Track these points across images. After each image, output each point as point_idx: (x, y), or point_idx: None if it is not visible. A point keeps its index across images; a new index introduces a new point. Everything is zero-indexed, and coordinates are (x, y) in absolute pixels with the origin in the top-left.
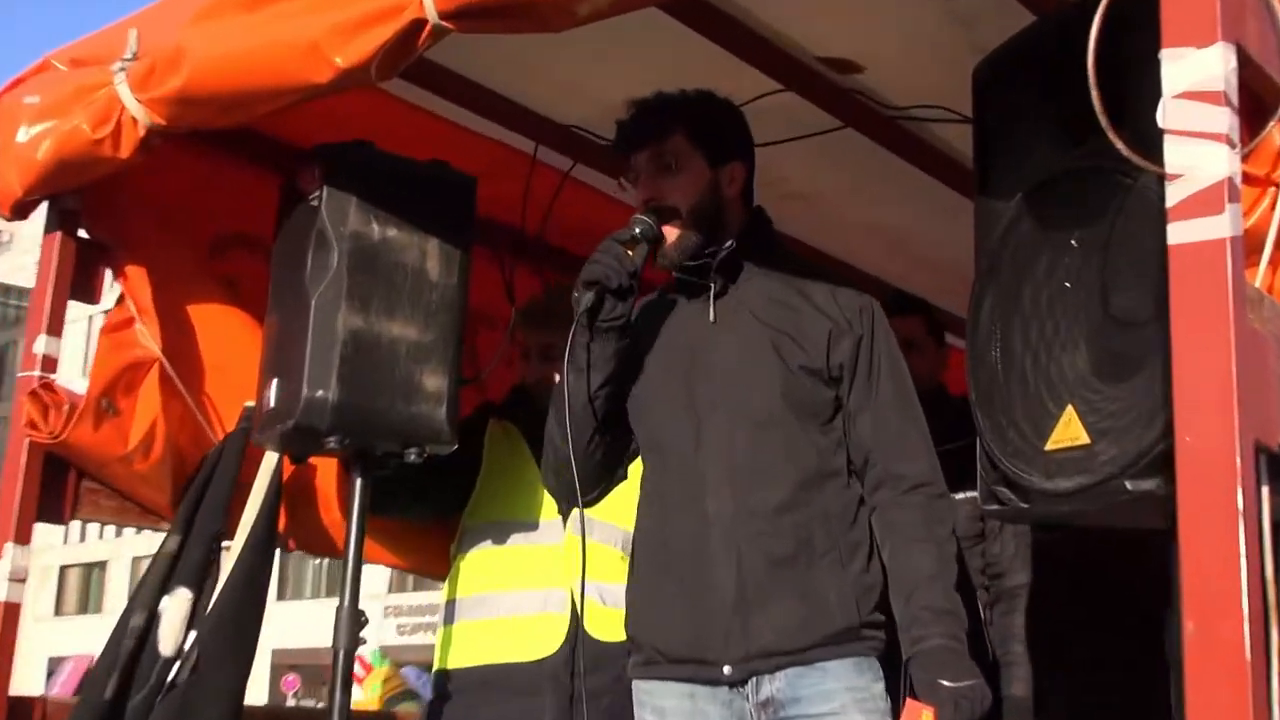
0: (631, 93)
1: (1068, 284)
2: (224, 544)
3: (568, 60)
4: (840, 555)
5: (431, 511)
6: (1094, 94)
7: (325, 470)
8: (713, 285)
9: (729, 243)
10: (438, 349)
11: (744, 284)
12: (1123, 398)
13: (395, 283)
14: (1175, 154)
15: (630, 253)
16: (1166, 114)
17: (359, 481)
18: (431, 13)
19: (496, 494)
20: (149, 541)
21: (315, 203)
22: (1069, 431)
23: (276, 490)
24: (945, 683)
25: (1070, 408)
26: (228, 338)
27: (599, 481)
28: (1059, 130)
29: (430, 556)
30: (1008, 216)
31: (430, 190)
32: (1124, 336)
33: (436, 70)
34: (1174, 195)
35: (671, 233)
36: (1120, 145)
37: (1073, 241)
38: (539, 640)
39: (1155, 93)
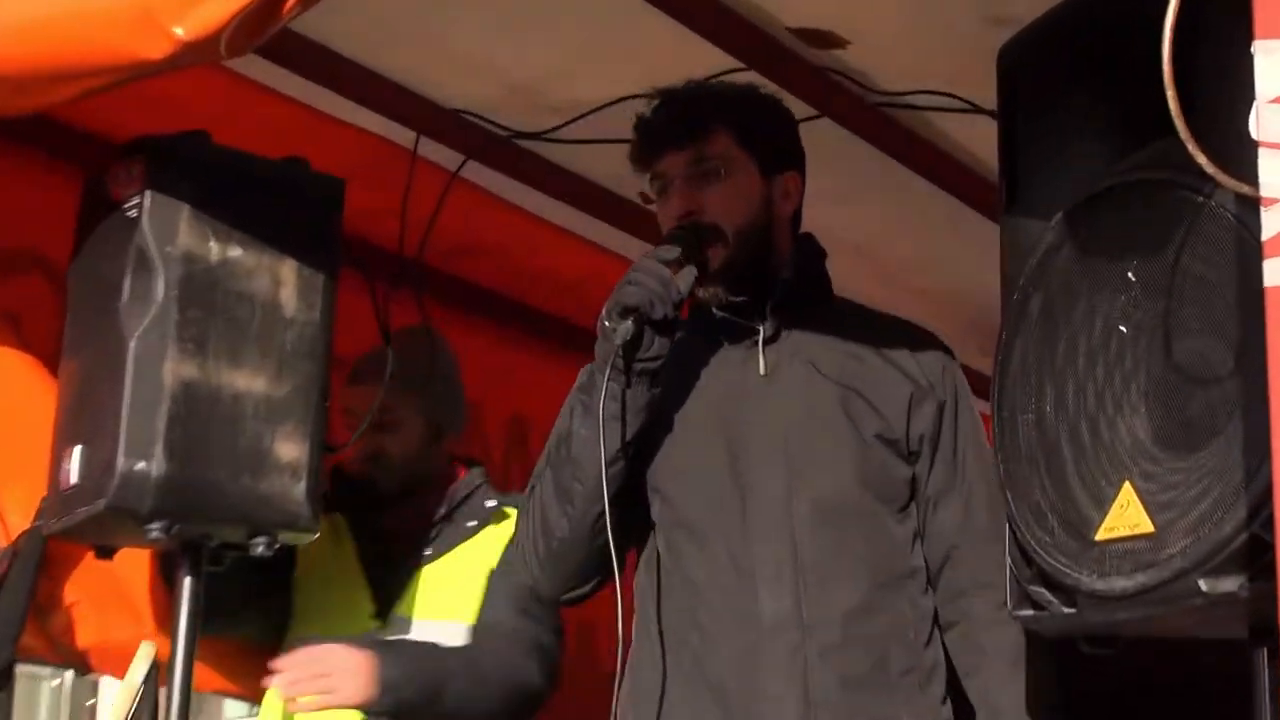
0: (541, 70)
1: (1123, 328)
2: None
3: (464, 29)
4: (919, 677)
5: (273, 624)
6: (1169, 90)
7: (131, 563)
8: (762, 328)
9: (786, 274)
10: (295, 407)
11: (800, 328)
12: (1194, 473)
13: (240, 319)
14: (1272, 172)
15: (675, 277)
16: (1260, 122)
17: (189, 582)
18: None
19: (313, 605)
20: None
21: (133, 212)
22: (1127, 517)
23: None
24: None
25: (1128, 486)
26: (7, 391)
27: (597, 573)
28: (1109, 131)
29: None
30: (1044, 241)
31: (286, 197)
32: (1196, 395)
33: (292, 40)
34: (1271, 224)
35: (714, 258)
36: (1204, 160)
37: (1129, 275)
38: None
39: (1231, 92)
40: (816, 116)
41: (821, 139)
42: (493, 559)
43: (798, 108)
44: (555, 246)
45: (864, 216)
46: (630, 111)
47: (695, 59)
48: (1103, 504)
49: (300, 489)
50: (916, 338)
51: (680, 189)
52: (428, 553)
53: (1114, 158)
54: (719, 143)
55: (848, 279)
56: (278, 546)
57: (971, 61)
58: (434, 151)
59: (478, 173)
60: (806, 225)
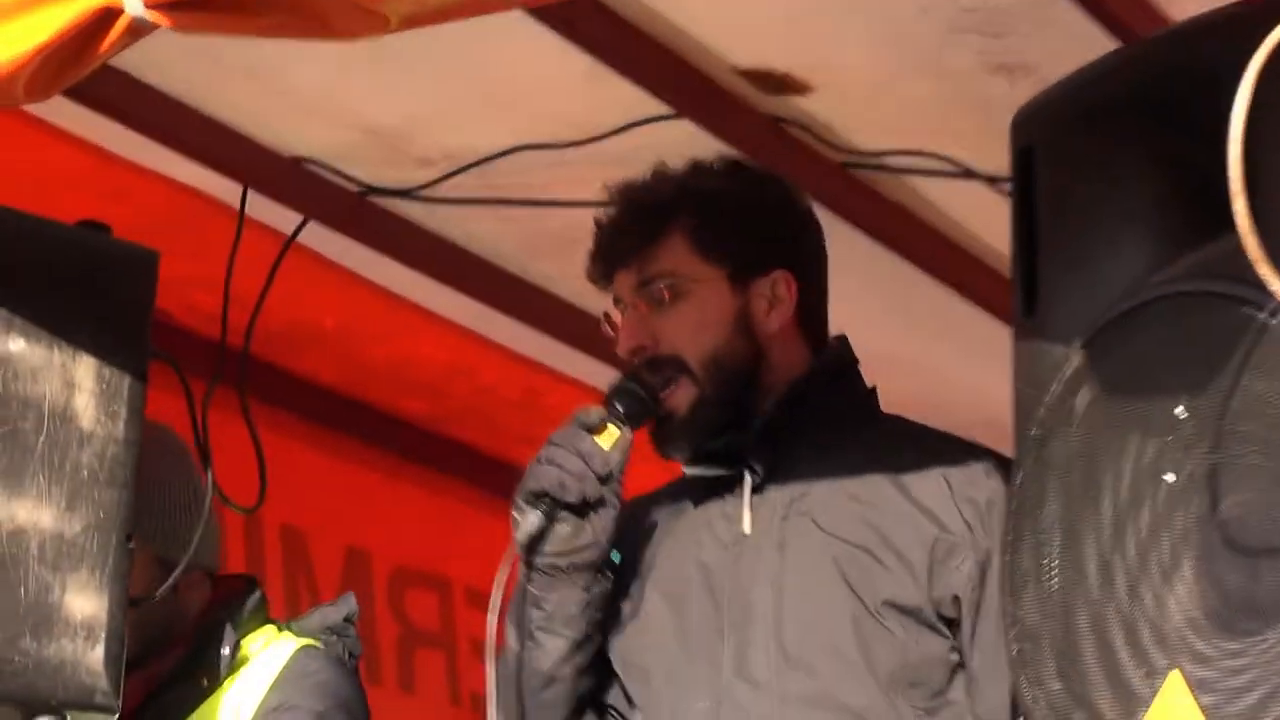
0: (405, 112)
1: (1169, 476)
2: None
3: (308, 62)
4: None
5: None
6: (1238, 198)
7: None
8: (747, 475)
9: (771, 404)
10: (92, 548)
11: (801, 469)
12: (1255, 658)
13: (21, 434)
14: None
15: (603, 443)
16: None
17: None
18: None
19: None
20: None
21: None
22: (1172, 712)
23: None
24: None
25: (1176, 675)
26: None
27: None
28: (1152, 227)
29: None
30: (1070, 364)
31: (82, 274)
32: (1258, 563)
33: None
34: None
35: (680, 404)
36: (1269, 274)
37: (1177, 410)
38: None
39: None
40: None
41: None
42: None
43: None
44: (416, 332)
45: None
46: (527, 165)
47: (611, 101)
48: (1143, 696)
49: (97, 655)
50: (960, 458)
51: (628, 318)
52: None
53: (1157, 261)
54: (669, 253)
55: None
56: None
57: (966, 115)
58: (266, 210)
59: (321, 238)
60: None
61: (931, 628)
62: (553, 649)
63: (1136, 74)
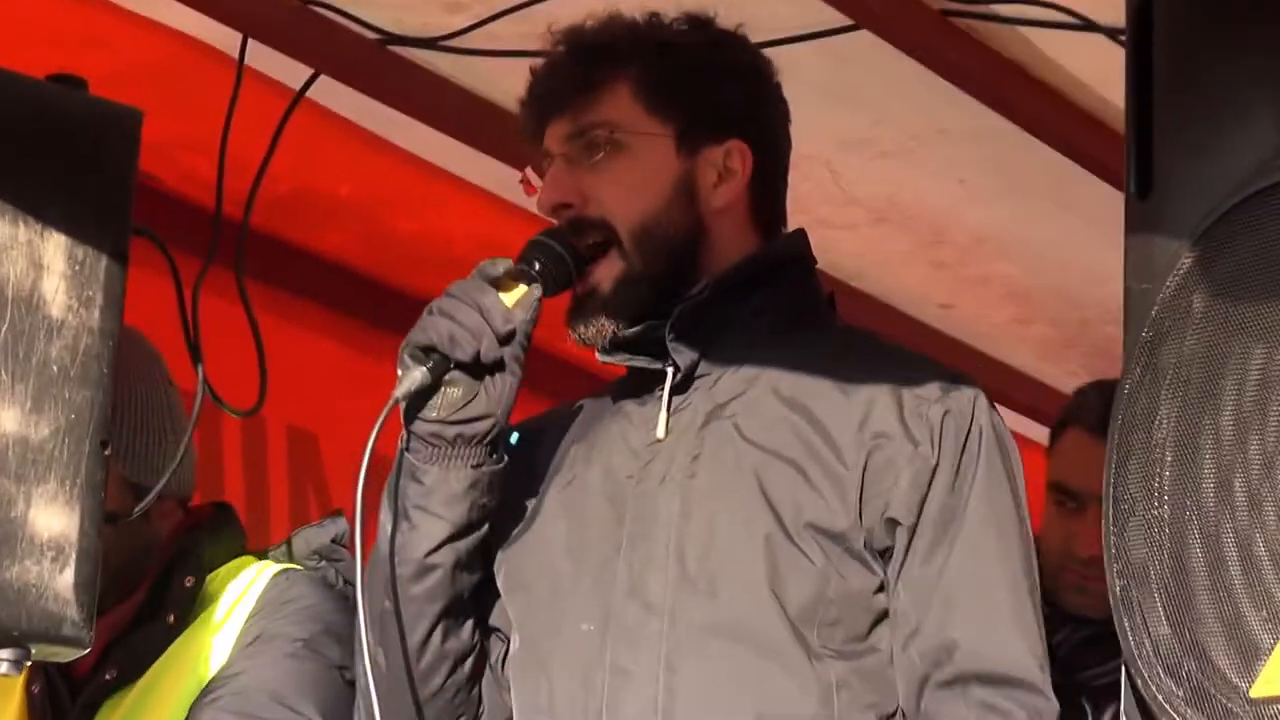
0: None
1: None
2: None
3: None
4: None
5: None
6: None
7: None
8: (669, 371)
9: (701, 285)
10: (62, 456)
11: (731, 370)
12: None
13: None
14: None
15: (508, 299)
16: None
17: None
18: None
19: None
20: None
21: None
22: None
23: None
24: None
25: None
26: None
27: None
28: None
29: None
30: (1188, 254)
31: (53, 136)
32: None
33: None
34: None
35: (604, 278)
36: None
37: None
38: None
39: None
40: (850, 28)
41: (855, 59)
42: (195, 672)
43: (823, 15)
44: (445, 204)
45: (915, 172)
46: (576, 9)
47: None
48: (1261, 645)
49: (66, 579)
50: (916, 371)
51: (556, 170)
52: (108, 678)
53: None
54: (611, 102)
55: (883, 261)
56: (31, 663)
57: None
58: (269, 61)
59: (334, 94)
60: (818, 182)
61: (859, 559)
62: (429, 532)
63: None
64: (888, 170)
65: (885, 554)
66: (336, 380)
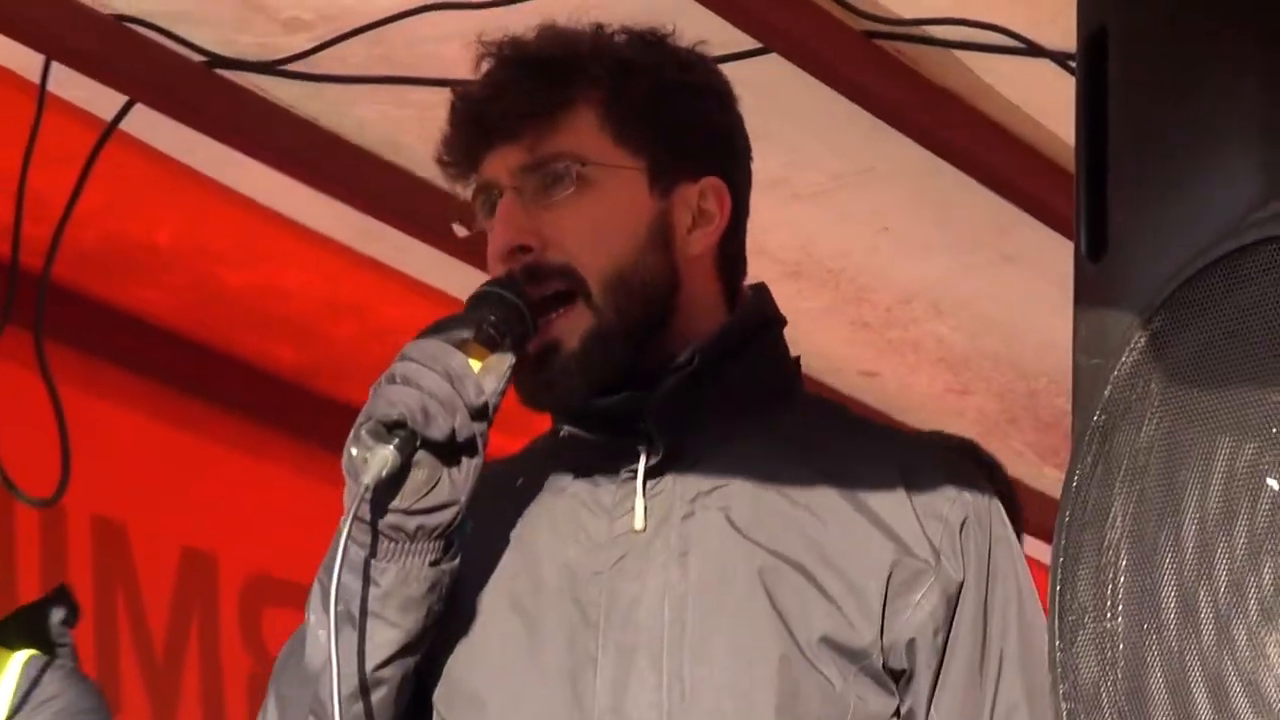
0: None
1: (1274, 482)
2: None
3: None
4: None
5: None
6: None
7: None
8: (642, 449)
9: (688, 353)
10: None
11: (710, 452)
12: None
13: None
14: None
15: (477, 364)
16: None
17: None
18: None
19: None
20: None
21: None
22: None
23: None
24: None
25: None
26: None
27: None
28: (1261, 145)
29: None
30: (1146, 327)
31: None
32: None
33: None
34: None
35: (568, 333)
36: None
37: None
38: None
39: None
40: (757, 51)
41: (764, 87)
42: None
43: (726, 35)
44: (283, 254)
45: (833, 218)
46: (436, 30)
47: None
48: None
49: None
50: (922, 461)
51: (507, 207)
52: None
53: (1268, 189)
54: (573, 129)
55: (796, 321)
56: None
57: None
58: (76, 87)
59: (151, 124)
60: None
61: (876, 679)
62: (381, 641)
63: None
64: (802, 216)
65: (900, 675)
66: (151, 461)
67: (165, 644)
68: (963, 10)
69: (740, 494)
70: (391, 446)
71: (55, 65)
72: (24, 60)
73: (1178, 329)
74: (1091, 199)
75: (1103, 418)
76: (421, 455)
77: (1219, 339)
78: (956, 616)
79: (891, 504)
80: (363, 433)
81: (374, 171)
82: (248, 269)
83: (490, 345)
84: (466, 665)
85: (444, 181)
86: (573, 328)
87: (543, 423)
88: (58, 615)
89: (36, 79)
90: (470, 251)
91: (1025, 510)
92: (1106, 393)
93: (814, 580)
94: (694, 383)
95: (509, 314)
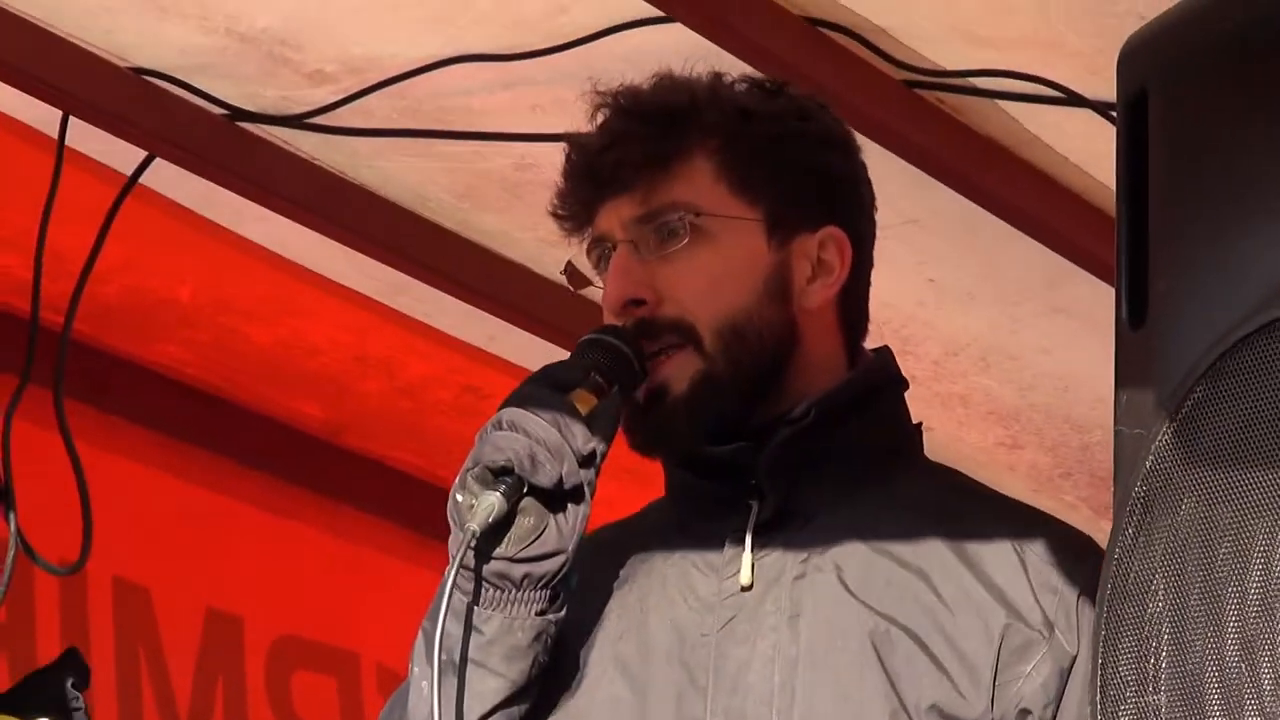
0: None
1: None
2: None
3: None
4: None
5: None
6: None
7: None
8: (754, 505)
9: (804, 407)
10: None
11: (826, 511)
12: None
13: None
14: None
15: (585, 411)
16: None
17: None
18: None
19: None
20: None
21: None
22: None
23: None
24: None
25: None
26: None
27: None
28: None
29: None
30: (1188, 396)
31: None
32: None
33: None
34: None
35: (677, 376)
36: None
37: None
38: None
39: None
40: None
41: None
42: None
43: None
44: (309, 309)
45: (877, 271)
46: (464, 84)
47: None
48: None
49: None
50: (1039, 533)
51: (618, 263)
52: None
53: None
54: (688, 180)
55: None
56: None
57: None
58: (96, 142)
59: (172, 179)
60: None
61: None
62: (483, 691)
63: None
64: None
65: None
66: (173, 520)
67: (190, 709)
68: (1005, 62)
69: (854, 556)
70: (498, 493)
71: (73, 120)
72: (42, 115)
73: (1220, 400)
74: (1132, 265)
75: (1143, 489)
76: (528, 502)
77: (1264, 411)
78: (1068, 690)
79: (1007, 573)
80: (469, 478)
81: (400, 224)
82: (273, 324)
83: (597, 392)
84: None
85: (471, 233)
86: (681, 371)
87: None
88: (68, 679)
89: (55, 133)
90: (501, 304)
91: None
92: (1148, 464)
93: (925, 647)
94: (809, 438)
95: (617, 360)
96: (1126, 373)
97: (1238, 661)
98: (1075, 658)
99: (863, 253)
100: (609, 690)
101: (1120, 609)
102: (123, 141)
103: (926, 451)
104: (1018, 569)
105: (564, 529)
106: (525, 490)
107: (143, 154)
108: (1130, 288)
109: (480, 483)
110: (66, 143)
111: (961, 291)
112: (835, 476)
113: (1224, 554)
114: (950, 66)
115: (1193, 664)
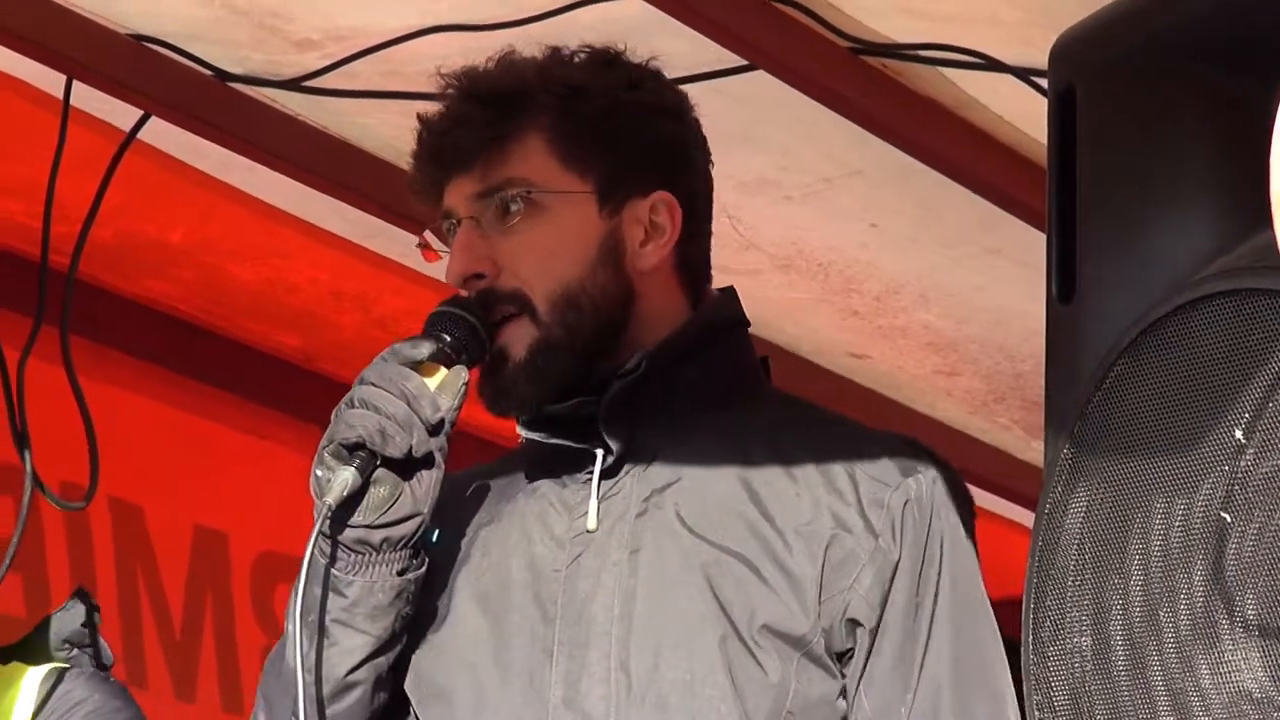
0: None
1: (1226, 515)
2: None
3: None
4: None
5: None
6: None
7: None
8: (599, 453)
9: (635, 359)
10: None
11: (666, 451)
12: None
13: None
14: None
15: (432, 383)
16: None
17: None
18: None
19: None
20: None
21: None
22: None
23: None
24: None
25: None
26: None
27: None
28: (1220, 197)
29: None
30: (1110, 370)
31: None
32: None
33: None
34: None
35: (515, 342)
36: None
37: (1237, 433)
38: None
39: None
40: (746, 68)
41: (754, 100)
42: None
43: (715, 55)
44: (290, 249)
45: (823, 218)
46: (441, 51)
47: None
48: None
49: None
50: (870, 451)
51: (460, 239)
52: None
53: (1225, 240)
54: (522, 157)
55: (788, 309)
56: None
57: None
58: (97, 103)
59: (166, 133)
60: (715, 228)
61: (819, 664)
62: (351, 648)
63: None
64: (793, 215)
65: (844, 657)
66: (163, 445)
67: (183, 618)
68: (940, 34)
69: (691, 491)
70: (352, 468)
71: (77, 82)
72: (50, 78)
73: (1138, 373)
74: (1061, 245)
75: (1070, 451)
76: (381, 473)
77: (1179, 379)
78: (890, 596)
79: (836, 495)
80: (326, 455)
81: (378, 174)
82: (255, 263)
83: (446, 362)
84: (434, 659)
85: None
86: (519, 338)
87: None
88: (78, 618)
89: (60, 94)
90: None
91: (1015, 480)
92: (1075, 428)
93: (756, 571)
94: (643, 386)
95: (464, 331)
96: (1056, 343)
97: (1141, 605)
98: (898, 561)
99: (696, 210)
100: (471, 623)
101: (1049, 559)
102: (117, 103)
103: (867, 380)
104: (848, 487)
105: (418, 493)
106: (379, 462)
107: (138, 114)
108: (1060, 267)
109: (336, 458)
110: (71, 102)
111: (902, 235)
112: (675, 417)
113: (1141, 510)
114: (891, 37)
115: (1115, 606)
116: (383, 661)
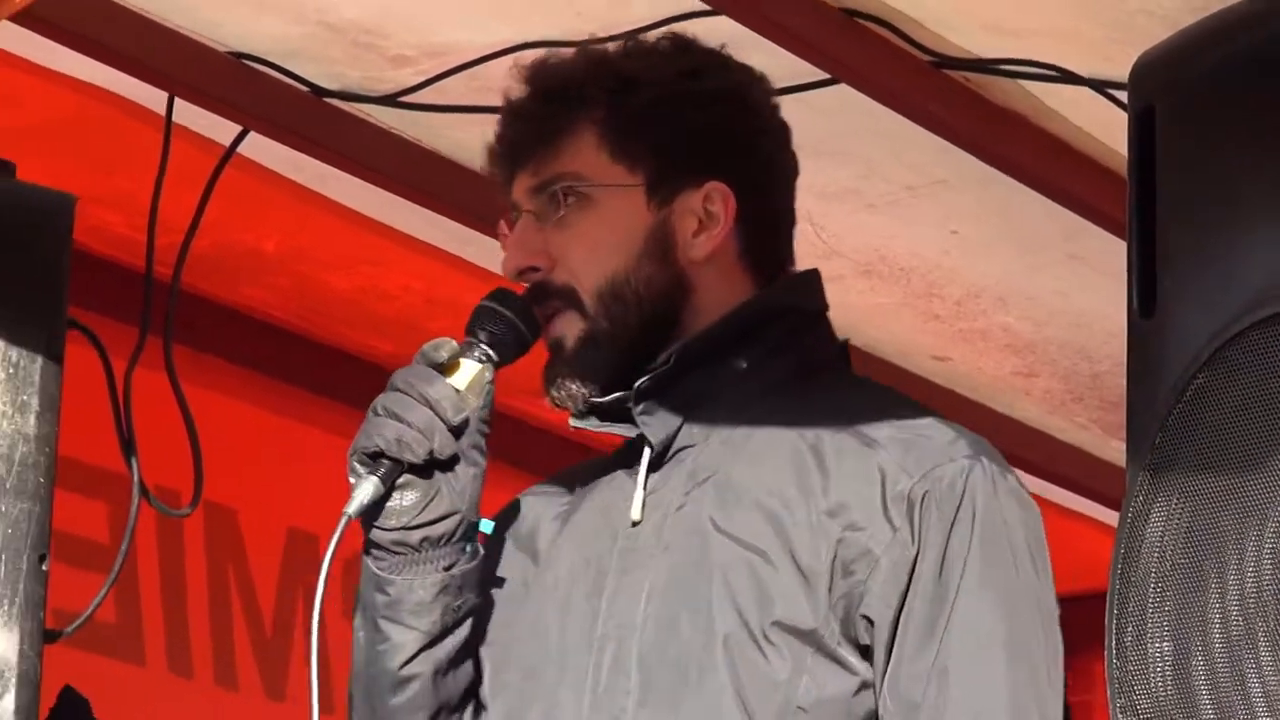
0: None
1: None
2: None
3: None
4: None
5: None
6: None
7: None
8: (648, 444)
9: (667, 352)
10: None
11: (715, 441)
12: None
13: None
14: None
15: (457, 383)
16: None
17: None
18: None
19: None
20: None
21: None
22: None
23: None
24: None
25: None
26: None
27: None
28: None
29: None
30: (1191, 383)
31: None
32: None
33: None
34: None
35: (567, 334)
36: None
37: None
38: None
39: None
40: (829, 81)
41: (837, 112)
42: None
43: (797, 69)
44: (384, 258)
45: (905, 225)
46: None
47: None
48: None
49: (5, 706)
50: (908, 444)
51: (516, 233)
52: None
53: None
54: (573, 151)
55: (870, 314)
56: None
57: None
58: (197, 118)
59: (265, 147)
60: (799, 235)
61: (833, 658)
62: (401, 643)
63: None
64: (874, 223)
65: (867, 652)
66: (260, 447)
67: (274, 619)
68: (1023, 49)
69: (725, 484)
70: (376, 476)
71: (178, 99)
72: (152, 95)
73: (1219, 386)
74: (1142, 261)
75: (1152, 461)
76: (407, 478)
77: (1257, 396)
78: (910, 588)
79: (860, 486)
80: (353, 462)
81: (468, 185)
82: (350, 272)
83: (473, 359)
84: (503, 654)
85: None
86: (569, 330)
87: None
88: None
89: (156, 108)
90: None
91: (1094, 479)
92: (1156, 439)
93: (774, 569)
94: (684, 377)
95: (502, 326)
96: (1138, 356)
97: (1231, 615)
98: (916, 557)
99: (758, 198)
100: (537, 608)
101: (1130, 567)
102: (215, 118)
103: (948, 382)
104: (875, 480)
105: (455, 490)
106: (405, 468)
107: (237, 129)
108: (1141, 282)
109: (361, 466)
110: (174, 120)
111: (983, 243)
112: (727, 407)
113: (1224, 520)
114: (972, 51)
115: (1199, 616)
116: (438, 654)
